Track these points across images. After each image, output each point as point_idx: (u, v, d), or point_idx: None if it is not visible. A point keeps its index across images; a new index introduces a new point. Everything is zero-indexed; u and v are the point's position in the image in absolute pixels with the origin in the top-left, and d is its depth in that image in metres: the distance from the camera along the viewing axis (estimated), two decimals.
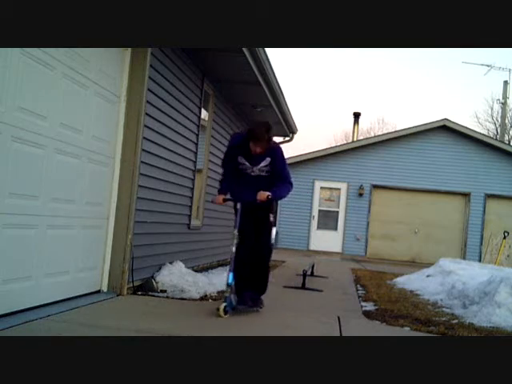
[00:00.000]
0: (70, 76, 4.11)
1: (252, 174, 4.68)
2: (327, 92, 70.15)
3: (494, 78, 73.18)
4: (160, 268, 5.98)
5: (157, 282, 5.55)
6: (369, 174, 17.01)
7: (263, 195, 4.47)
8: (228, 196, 4.83)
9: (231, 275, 4.38)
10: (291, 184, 4.75)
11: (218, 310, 4.30)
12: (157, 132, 5.68)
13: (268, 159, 4.62)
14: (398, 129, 19.87)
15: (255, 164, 4.66)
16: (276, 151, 4.69)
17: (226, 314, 4.30)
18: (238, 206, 4.60)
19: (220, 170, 5.33)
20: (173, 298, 5.19)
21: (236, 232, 4.51)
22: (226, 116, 8.83)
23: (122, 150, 4.99)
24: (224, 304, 4.33)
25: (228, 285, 4.38)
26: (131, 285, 5.17)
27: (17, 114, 3.51)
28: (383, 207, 17.10)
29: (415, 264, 15.25)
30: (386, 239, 17.11)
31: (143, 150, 5.19)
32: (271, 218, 4.76)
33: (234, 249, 4.47)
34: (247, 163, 4.68)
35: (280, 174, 4.67)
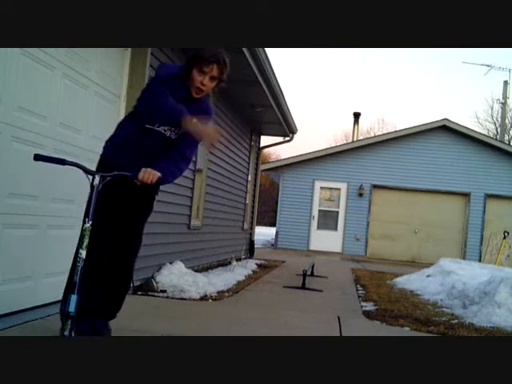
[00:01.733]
0: (70, 76, 4.11)
1: (163, 131, 3.16)
2: (327, 92, 70.23)
3: (494, 77, 73.40)
4: (160, 268, 5.98)
5: (157, 282, 5.55)
6: (369, 174, 17.02)
7: (150, 176, 2.88)
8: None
9: (74, 298, 2.59)
10: (189, 163, 3.34)
11: None
12: None
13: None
14: (398, 129, 19.94)
15: None
16: (209, 118, 3.25)
17: None
18: (96, 180, 2.78)
19: None
20: (173, 298, 5.19)
21: (88, 225, 2.72)
22: (225, 116, 8.83)
23: None
24: None
25: (67, 314, 2.59)
26: (131, 285, 5.16)
27: (17, 114, 3.52)
28: (383, 207, 17.11)
29: (415, 264, 15.26)
30: (385, 239, 17.12)
31: None
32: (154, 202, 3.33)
33: (84, 253, 2.69)
34: None
35: (189, 145, 3.20)
